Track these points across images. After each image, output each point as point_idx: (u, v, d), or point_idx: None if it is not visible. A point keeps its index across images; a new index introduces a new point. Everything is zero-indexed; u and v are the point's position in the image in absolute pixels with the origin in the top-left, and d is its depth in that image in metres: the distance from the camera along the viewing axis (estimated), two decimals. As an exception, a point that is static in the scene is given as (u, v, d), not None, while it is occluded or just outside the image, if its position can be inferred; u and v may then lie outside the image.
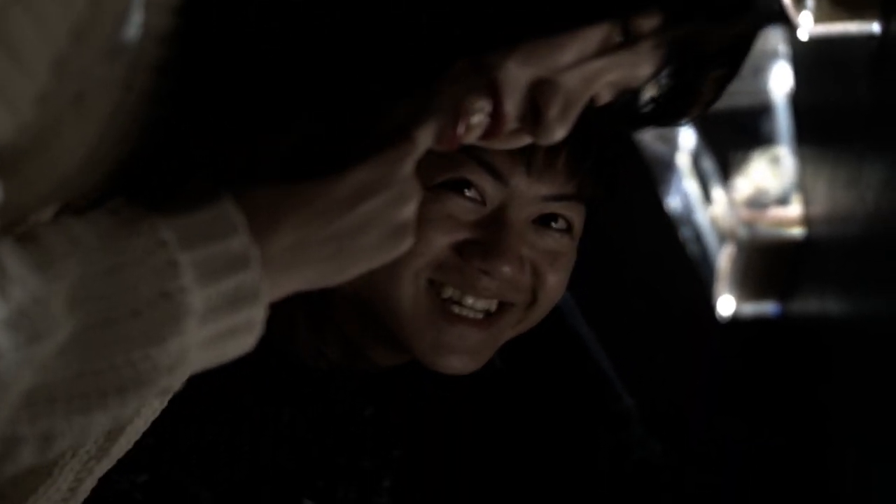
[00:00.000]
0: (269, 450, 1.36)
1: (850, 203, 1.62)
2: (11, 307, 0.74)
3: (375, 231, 0.89)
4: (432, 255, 1.31)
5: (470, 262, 1.31)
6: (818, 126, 1.74)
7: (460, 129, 0.90)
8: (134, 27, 0.79)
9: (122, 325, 0.79)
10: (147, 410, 0.99)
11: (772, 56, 1.76)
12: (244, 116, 0.84)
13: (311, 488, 1.37)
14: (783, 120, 1.78)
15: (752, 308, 1.78)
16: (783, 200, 1.76)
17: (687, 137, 1.89)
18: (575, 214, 1.36)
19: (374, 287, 1.32)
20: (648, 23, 0.91)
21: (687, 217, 1.92)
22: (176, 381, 0.83)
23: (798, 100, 1.77)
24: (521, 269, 1.33)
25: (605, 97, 0.96)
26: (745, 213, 1.77)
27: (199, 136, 0.85)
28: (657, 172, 1.96)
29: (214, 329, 0.83)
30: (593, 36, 0.90)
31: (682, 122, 0.99)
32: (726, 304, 1.77)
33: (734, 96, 1.77)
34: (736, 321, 1.79)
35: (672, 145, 1.91)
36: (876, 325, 1.54)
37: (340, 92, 0.85)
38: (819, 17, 1.53)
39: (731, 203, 1.79)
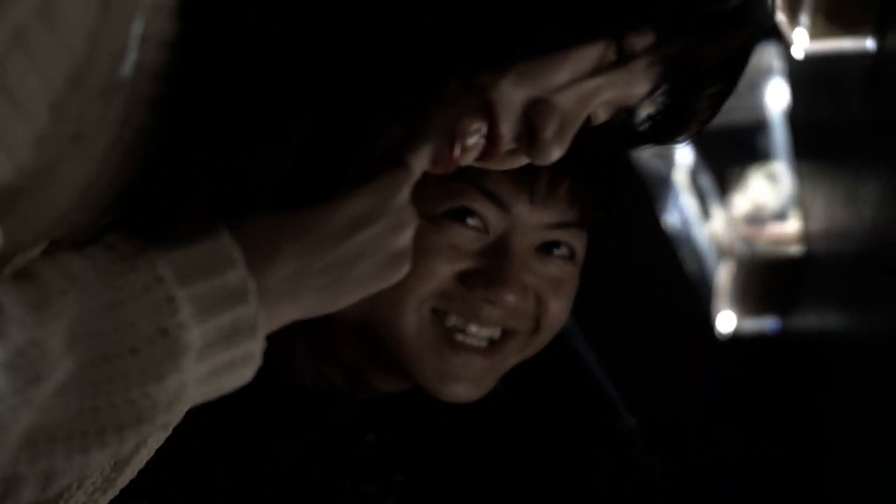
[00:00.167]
0: (270, 476, 1.36)
1: (848, 219, 1.62)
2: (9, 349, 0.74)
3: (372, 259, 0.89)
4: (436, 284, 1.31)
5: (473, 290, 1.31)
6: (815, 142, 1.74)
7: (456, 152, 0.90)
8: (129, 64, 0.79)
9: (121, 362, 0.79)
10: (153, 440, 0.99)
11: (768, 72, 1.76)
12: (240, 147, 0.84)
13: (313, 514, 1.38)
14: (780, 136, 1.78)
15: (752, 324, 1.78)
16: (781, 216, 1.76)
17: (684, 154, 1.89)
18: (577, 241, 1.36)
19: (378, 316, 1.32)
20: (642, 41, 0.90)
21: (685, 234, 1.91)
22: (175, 417, 0.83)
23: (795, 116, 1.77)
24: (524, 297, 1.33)
25: (602, 116, 0.95)
26: (743, 229, 1.77)
27: (196, 168, 0.85)
28: (654, 190, 1.96)
29: (212, 364, 0.83)
30: (587, 55, 0.89)
31: (679, 140, 0.99)
32: (726, 321, 1.77)
33: (731, 112, 1.78)
34: (736, 337, 1.79)
35: (669, 162, 1.90)
36: (874, 340, 1.54)
37: (335, 118, 0.85)
38: (814, 34, 1.53)
39: (730, 219, 1.79)
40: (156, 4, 0.80)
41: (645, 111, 0.99)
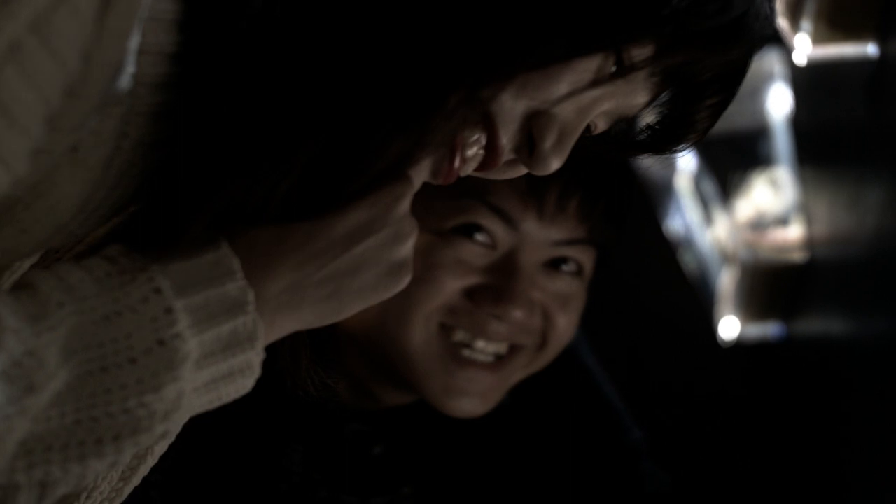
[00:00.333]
0: (277, 489, 1.36)
1: (852, 224, 1.61)
2: (5, 359, 0.74)
3: (372, 271, 0.89)
4: (444, 299, 1.31)
5: (481, 306, 1.32)
6: (818, 148, 1.74)
7: (456, 163, 0.90)
8: (127, 77, 0.79)
9: (118, 372, 0.79)
10: (158, 448, 0.99)
11: (770, 78, 1.76)
12: (239, 159, 0.84)
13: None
14: (782, 142, 1.77)
15: (755, 330, 1.77)
16: (784, 222, 1.76)
17: (686, 160, 1.89)
18: (586, 257, 1.36)
19: (385, 330, 1.32)
20: (641, 53, 0.90)
21: (688, 240, 1.91)
22: (173, 427, 0.83)
23: (797, 122, 1.77)
24: (531, 312, 1.34)
25: (601, 127, 0.95)
26: (746, 235, 1.77)
27: (194, 180, 0.85)
28: (657, 196, 1.96)
29: (210, 374, 0.84)
30: (587, 67, 0.90)
31: (679, 150, 0.99)
32: (730, 327, 1.77)
33: (733, 118, 1.78)
34: (739, 343, 1.79)
35: (671, 168, 1.90)
36: (879, 346, 1.54)
37: (335, 130, 0.85)
38: (816, 40, 1.53)
39: (733, 225, 1.79)
40: (153, 17, 0.80)
41: (644, 122, 0.99)
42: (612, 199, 1.38)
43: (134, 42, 0.78)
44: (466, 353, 1.35)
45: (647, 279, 2.04)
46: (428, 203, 1.30)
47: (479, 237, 1.32)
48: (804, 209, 1.75)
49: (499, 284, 1.33)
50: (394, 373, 1.37)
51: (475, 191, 1.30)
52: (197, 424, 0.98)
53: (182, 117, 0.83)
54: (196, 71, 0.83)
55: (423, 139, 0.87)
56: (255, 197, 0.85)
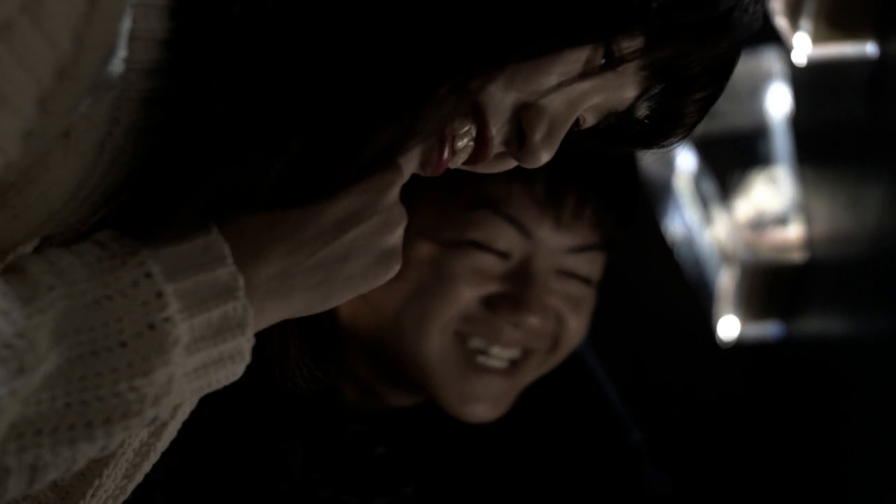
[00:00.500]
0: (278, 488, 1.37)
1: (851, 224, 1.62)
2: None
3: (362, 258, 0.89)
4: (461, 308, 1.33)
5: (498, 314, 1.33)
6: (817, 147, 1.74)
7: (445, 155, 0.90)
8: (118, 62, 0.80)
9: (108, 356, 0.79)
10: (160, 444, 0.99)
11: (769, 77, 1.76)
12: (230, 145, 0.84)
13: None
14: (782, 141, 1.78)
15: (755, 330, 1.77)
16: (784, 222, 1.76)
17: (685, 160, 1.89)
18: (597, 262, 1.38)
19: (401, 339, 1.34)
20: (630, 45, 0.91)
21: (687, 240, 1.91)
22: (164, 412, 0.83)
23: (797, 121, 1.77)
24: (546, 318, 1.35)
25: (590, 121, 0.96)
26: (746, 234, 1.77)
27: (185, 166, 0.85)
28: (656, 195, 1.96)
29: (201, 359, 0.84)
30: (576, 58, 0.90)
31: (667, 144, 0.99)
32: (729, 327, 1.77)
33: (732, 118, 1.78)
34: (739, 343, 1.79)
35: (670, 168, 1.91)
36: (879, 345, 1.54)
37: (326, 119, 0.85)
38: (815, 39, 1.53)
39: (732, 225, 1.79)
40: (145, 3, 0.80)
41: (633, 116, 0.99)
42: (625, 205, 1.40)
43: (125, 26, 0.79)
44: (482, 359, 1.36)
45: (647, 279, 2.04)
46: (443, 214, 1.32)
47: (495, 246, 1.34)
48: (804, 209, 1.75)
49: (515, 292, 1.34)
50: (404, 377, 1.38)
51: (491, 202, 1.32)
52: (199, 423, 0.99)
53: (173, 104, 0.84)
54: (187, 57, 0.83)
55: (413, 128, 0.87)
56: (245, 184, 0.85)
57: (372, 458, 1.41)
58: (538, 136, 0.91)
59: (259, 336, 0.88)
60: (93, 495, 0.96)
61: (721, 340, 1.79)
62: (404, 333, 1.34)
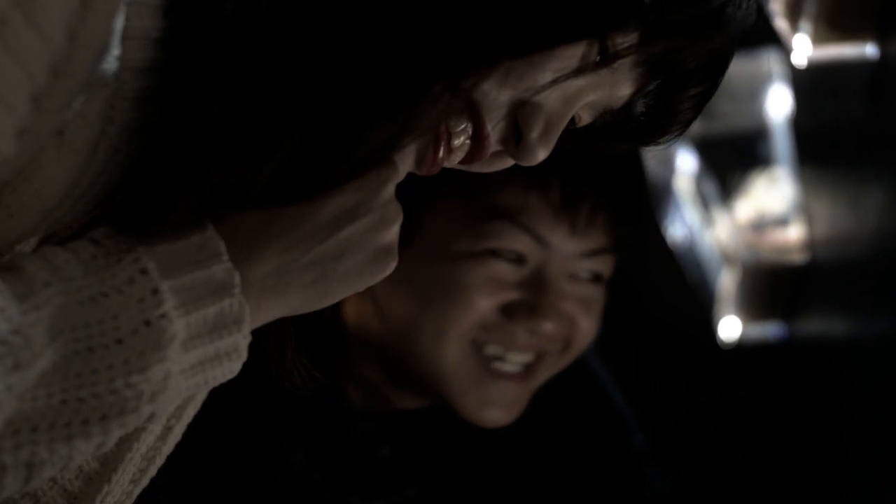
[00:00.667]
0: (281, 488, 1.37)
1: (852, 225, 1.62)
2: None
3: (358, 255, 0.89)
4: (479, 317, 1.34)
5: (515, 321, 1.35)
6: (818, 148, 1.74)
7: (441, 152, 0.90)
8: (112, 60, 0.80)
9: (105, 353, 0.80)
10: (166, 448, 0.99)
11: (769, 79, 1.76)
12: (224, 143, 0.85)
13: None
14: (782, 142, 1.78)
15: (756, 331, 1.77)
16: (785, 223, 1.76)
17: (686, 161, 1.89)
18: (608, 264, 1.39)
19: (417, 349, 1.35)
20: (625, 41, 0.91)
21: (688, 241, 1.92)
22: (160, 409, 0.83)
23: (797, 122, 1.77)
24: (561, 323, 1.36)
25: (586, 119, 0.96)
26: (747, 235, 1.77)
27: (180, 164, 0.85)
28: (656, 196, 1.96)
29: (197, 356, 0.84)
30: (571, 55, 0.90)
31: (663, 141, 0.99)
32: (731, 328, 1.77)
33: (733, 119, 1.78)
34: (740, 344, 1.79)
35: (671, 169, 1.91)
36: (880, 346, 1.54)
37: (321, 117, 0.86)
38: (815, 41, 1.53)
39: (733, 226, 1.79)
40: (138, 1, 0.80)
41: (629, 113, 0.99)
42: (636, 208, 1.42)
43: (119, 24, 0.79)
44: (497, 365, 1.37)
45: (648, 280, 2.04)
46: (457, 224, 1.33)
47: (509, 255, 1.35)
48: (804, 210, 1.75)
49: (531, 299, 1.36)
50: (414, 381, 1.39)
51: (507, 212, 1.34)
52: (202, 424, 0.99)
53: (167, 102, 0.84)
54: (181, 56, 0.83)
55: (408, 126, 0.87)
56: (240, 182, 0.85)
57: (376, 458, 1.41)
58: (535, 133, 0.92)
59: (257, 335, 0.88)
60: (101, 501, 0.96)
61: (722, 341, 1.79)
62: (420, 343, 1.35)
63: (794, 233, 1.76)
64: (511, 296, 1.35)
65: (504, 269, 1.35)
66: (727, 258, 1.79)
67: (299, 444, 1.38)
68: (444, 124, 0.89)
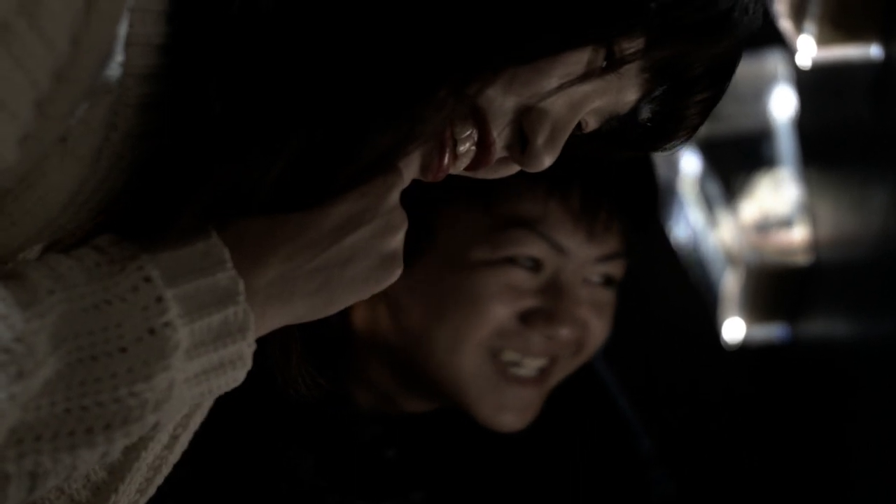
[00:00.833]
0: (287, 491, 1.37)
1: (856, 226, 1.61)
2: None
3: (363, 262, 0.89)
4: (496, 325, 1.35)
5: (532, 327, 1.36)
6: (822, 149, 1.74)
7: (446, 159, 0.90)
8: (115, 66, 0.79)
9: (108, 361, 0.79)
10: (172, 457, 0.99)
11: (773, 80, 1.76)
12: (228, 150, 0.84)
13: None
14: (786, 143, 1.77)
15: (760, 332, 1.77)
16: (789, 224, 1.76)
17: (690, 162, 1.89)
18: (620, 267, 1.40)
19: (432, 355, 1.36)
20: (631, 46, 0.91)
21: (692, 242, 1.91)
22: (165, 418, 0.83)
23: (802, 123, 1.76)
24: (576, 327, 1.37)
25: (592, 125, 0.95)
26: (751, 237, 1.77)
27: (183, 170, 0.85)
28: (661, 198, 1.96)
29: (202, 365, 0.83)
30: (577, 60, 0.90)
31: (669, 147, 0.99)
32: (734, 329, 1.77)
33: (737, 120, 1.78)
34: (744, 345, 1.79)
35: (675, 170, 1.90)
36: (884, 347, 1.54)
37: (325, 124, 0.85)
38: (820, 41, 1.53)
39: (738, 227, 1.79)
40: (141, 7, 0.80)
41: (634, 119, 0.99)
42: (649, 213, 1.43)
43: (122, 30, 0.78)
44: (514, 370, 1.38)
45: (652, 281, 2.03)
46: (474, 233, 1.34)
47: (525, 262, 1.35)
48: (809, 211, 1.75)
49: (548, 306, 1.37)
50: (426, 386, 1.39)
51: (525, 220, 1.34)
52: (208, 431, 0.99)
53: (171, 109, 0.83)
54: (185, 62, 0.83)
55: (413, 131, 0.86)
56: (244, 188, 0.85)
57: (382, 461, 1.41)
58: (540, 139, 0.91)
59: (262, 343, 0.88)
60: None
61: (726, 342, 1.79)
62: (436, 350, 1.36)
63: (799, 234, 1.76)
64: (528, 303, 1.36)
65: (521, 277, 1.36)
66: (731, 259, 1.79)
67: (306, 451, 1.39)
68: (449, 130, 0.89)
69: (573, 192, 1.35)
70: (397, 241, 0.90)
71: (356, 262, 0.88)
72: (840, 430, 1.66)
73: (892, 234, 1.51)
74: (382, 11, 0.84)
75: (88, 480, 0.94)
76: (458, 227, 1.35)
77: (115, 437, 0.80)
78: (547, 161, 0.92)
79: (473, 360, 1.36)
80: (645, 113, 0.97)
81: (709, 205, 1.86)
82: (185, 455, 0.98)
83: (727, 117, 1.77)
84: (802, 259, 1.75)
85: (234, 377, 0.86)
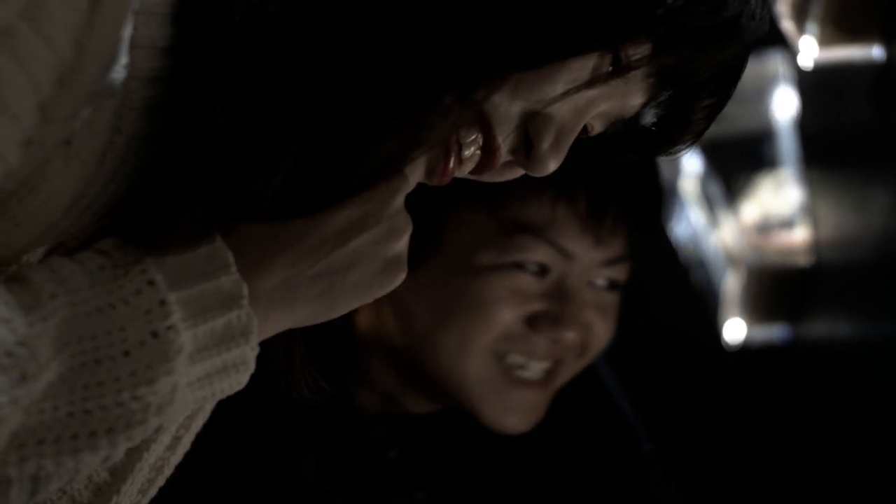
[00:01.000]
0: (290, 492, 1.37)
1: (858, 227, 1.61)
2: None
3: (367, 267, 0.89)
4: (502, 330, 1.36)
5: (538, 331, 1.36)
6: (824, 150, 1.74)
7: (451, 164, 0.90)
8: (119, 69, 0.79)
9: (111, 365, 0.79)
10: (174, 458, 0.99)
11: (775, 80, 1.76)
12: (232, 152, 0.84)
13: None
14: (788, 144, 1.77)
15: (761, 333, 1.78)
16: (790, 225, 1.76)
17: (691, 162, 1.89)
18: (625, 270, 1.40)
19: (437, 359, 1.36)
20: (637, 52, 0.90)
21: (694, 243, 1.91)
22: (167, 421, 0.83)
23: (803, 124, 1.76)
24: (581, 331, 1.37)
25: (598, 129, 0.95)
26: (752, 237, 1.77)
27: (187, 174, 0.85)
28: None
29: (205, 368, 0.83)
30: (583, 66, 0.89)
31: (675, 151, 0.98)
32: (735, 330, 1.77)
33: (738, 120, 1.78)
34: (745, 346, 1.79)
35: (676, 170, 1.90)
36: (885, 348, 1.54)
37: (330, 128, 0.85)
38: (822, 42, 1.53)
39: (739, 228, 1.79)
40: (146, 10, 0.80)
41: (640, 123, 0.98)
42: (654, 216, 1.43)
43: (127, 32, 0.78)
44: (519, 373, 1.38)
45: (653, 282, 2.03)
46: (480, 238, 1.34)
47: (531, 267, 1.36)
48: (810, 212, 1.75)
49: (554, 309, 1.38)
50: (430, 388, 1.40)
51: (532, 226, 1.35)
52: (211, 433, 0.99)
53: (175, 112, 0.83)
54: (189, 65, 0.83)
55: (418, 137, 0.86)
56: (248, 192, 0.84)
57: (385, 462, 1.42)
58: (545, 144, 0.91)
59: (265, 346, 0.88)
60: None
61: (727, 343, 1.79)
62: (442, 353, 1.37)
63: (800, 235, 1.76)
64: (534, 307, 1.37)
65: (527, 281, 1.36)
66: (732, 260, 1.79)
67: (309, 453, 1.39)
68: (455, 135, 0.89)
69: (580, 196, 1.35)
70: (401, 245, 0.90)
71: (360, 267, 0.88)
72: (841, 432, 1.66)
73: (894, 234, 1.51)
74: (388, 17, 0.84)
75: (90, 481, 0.94)
76: (464, 230, 1.36)
77: (117, 440, 0.80)
78: (552, 165, 0.92)
79: (479, 363, 1.36)
80: (650, 117, 0.97)
81: (710, 205, 1.86)
82: (188, 456, 0.97)
83: (729, 118, 1.76)
84: (803, 260, 1.75)
85: (238, 380, 0.86)
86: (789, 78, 1.77)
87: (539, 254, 1.36)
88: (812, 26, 1.53)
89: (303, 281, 0.86)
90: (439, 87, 0.85)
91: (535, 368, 1.39)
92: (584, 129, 0.94)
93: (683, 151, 0.99)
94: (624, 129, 0.97)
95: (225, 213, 0.84)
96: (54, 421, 0.77)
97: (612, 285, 1.42)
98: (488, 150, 0.90)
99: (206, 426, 0.97)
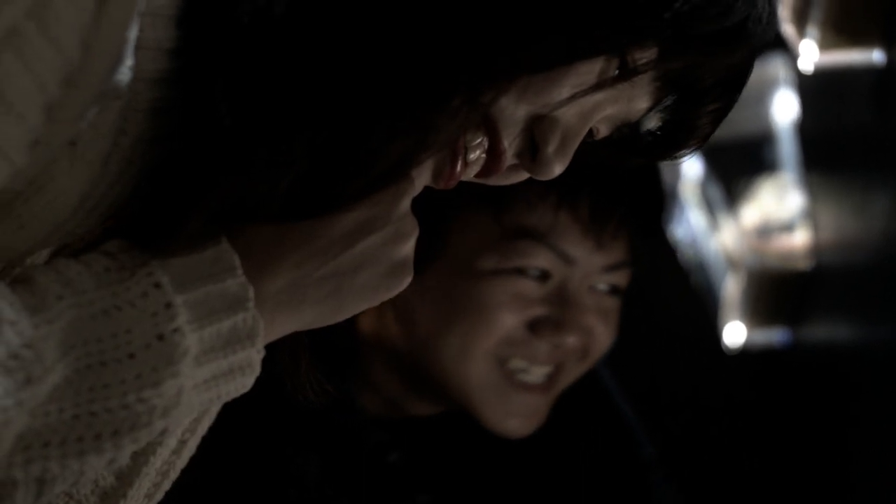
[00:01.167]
0: (292, 495, 1.37)
1: (858, 230, 1.62)
2: (2, 351, 0.73)
3: (374, 269, 0.88)
4: (504, 334, 1.36)
5: (540, 336, 1.37)
6: (824, 154, 1.74)
7: (457, 167, 0.90)
8: (125, 71, 0.79)
9: (117, 367, 0.79)
10: (180, 462, 0.98)
11: (776, 84, 1.76)
12: (237, 155, 0.84)
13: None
14: (788, 148, 1.78)
15: (761, 336, 1.78)
16: (790, 228, 1.76)
17: (692, 166, 1.89)
18: (626, 275, 1.41)
19: (439, 363, 1.37)
20: (644, 56, 0.90)
21: (694, 246, 1.91)
22: (173, 424, 0.83)
23: (804, 128, 1.77)
24: (582, 335, 1.38)
25: (603, 132, 0.95)
26: (752, 241, 1.77)
27: (193, 176, 0.85)
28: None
29: (211, 371, 0.83)
30: (589, 70, 0.89)
31: (680, 155, 0.98)
32: (735, 333, 1.77)
33: (739, 124, 1.78)
34: (745, 350, 1.79)
35: (676, 174, 1.90)
36: (885, 352, 1.54)
37: (337, 131, 0.85)
38: (822, 46, 1.53)
39: (739, 231, 1.79)
40: (152, 12, 0.80)
41: (646, 127, 0.98)
42: (656, 221, 1.44)
43: (133, 34, 0.78)
44: (521, 377, 1.38)
45: (653, 285, 2.03)
46: (483, 243, 1.34)
47: (533, 272, 1.36)
48: (810, 215, 1.75)
49: (556, 314, 1.38)
50: (433, 390, 1.40)
51: (534, 231, 1.35)
52: (216, 437, 0.99)
53: (181, 114, 0.83)
54: (195, 67, 0.82)
55: (425, 141, 0.86)
56: (254, 194, 0.84)
57: (387, 465, 1.42)
58: (551, 147, 0.91)
59: (271, 349, 0.88)
60: None
61: (727, 347, 1.79)
62: (444, 357, 1.37)
63: (800, 238, 1.76)
64: (536, 312, 1.38)
65: (529, 286, 1.37)
66: (732, 264, 1.79)
67: (313, 457, 1.39)
68: (461, 139, 0.88)
69: (582, 202, 1.36)
70: (408, 248, 0.90)
71: (366, 270, 0.88)
72: (841, 435, 1.66)
73: (894, 238, 1.52)
74: (396, 20, 0.83)
75: (97, 486, 0.94)
76: (467, 234, 1.36)
77: (123, 443, 0.79)
78: (557, 169, 0.92)
79: (481, 367, 1.37)
80: (655, 121, 0.97)
81: (710, 209, 1.86)
82: (193, 460, 0.97)
83: (729, 121, 1.77)
84: (804, 263, 1.75)
85: (243, 383, 0.86)
86: (790, 81, 1.77)
87: (541, 260, 1.36)
88: (812, 30, 1.53)
89: (310, 283, 0.86)
90: (447, 89, 0.85)
91: (537, 373, 1.40)
92: (590, 132, 0.94)
93: (688, 156, 0.99)
94: (629, 134, 0.97)
95: (231, 215, 0.84)
96: (59, 423, 0.77)
97: (614, 290, 1.42)
98: (494, 153, 0.90)
99: (212, 429, 0.97)
